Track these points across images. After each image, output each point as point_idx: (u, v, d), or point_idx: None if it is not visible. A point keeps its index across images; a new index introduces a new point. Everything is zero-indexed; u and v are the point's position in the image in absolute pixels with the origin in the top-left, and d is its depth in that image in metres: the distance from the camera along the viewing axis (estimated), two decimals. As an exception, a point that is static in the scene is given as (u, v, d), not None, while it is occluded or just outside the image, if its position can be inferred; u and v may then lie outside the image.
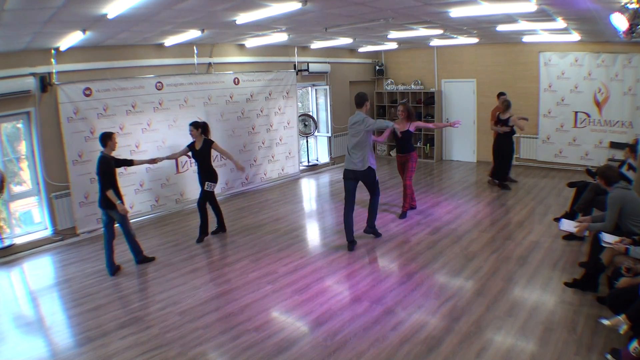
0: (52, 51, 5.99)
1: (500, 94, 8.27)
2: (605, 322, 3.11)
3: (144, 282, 4.99)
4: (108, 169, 5.03)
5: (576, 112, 8.97)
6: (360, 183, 5.63)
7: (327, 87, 10.30)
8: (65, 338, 3.89)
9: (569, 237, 5.49)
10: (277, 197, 8.27)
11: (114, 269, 5.19)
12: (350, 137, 5.53)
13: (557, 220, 5.76)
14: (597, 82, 8.61)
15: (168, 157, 6.19)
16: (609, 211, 4.09)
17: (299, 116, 9.75)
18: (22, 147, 6.27)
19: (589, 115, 8.86)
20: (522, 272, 4.73)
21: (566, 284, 4.33)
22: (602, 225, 4.14)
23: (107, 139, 5.08)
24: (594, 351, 3.30)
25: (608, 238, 3.92)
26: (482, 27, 6.87)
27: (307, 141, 10.41)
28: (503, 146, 7.85)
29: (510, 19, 5.90)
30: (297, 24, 6.03)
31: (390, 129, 5.40)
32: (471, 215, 6.70)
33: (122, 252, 5.49)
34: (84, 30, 4.97)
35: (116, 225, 5.24)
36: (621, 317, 3.01)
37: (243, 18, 5.13)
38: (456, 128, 7.05)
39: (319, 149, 10.86)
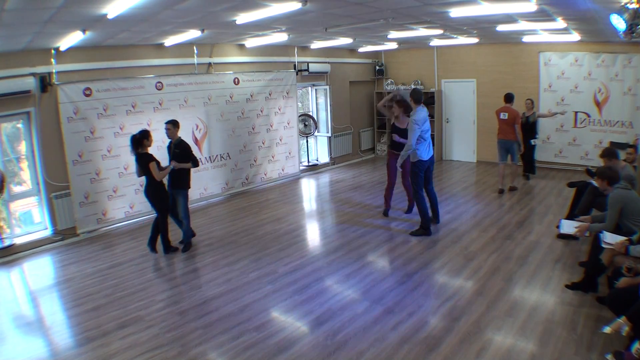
0: (52, 51, 5.99)
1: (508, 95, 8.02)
2: (607, 329, 3.05)
3: (143, 282, 4.99)
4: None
5: (576, 112, 8.97)
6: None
7: (327, 87, 10.30)
8: (65, 338, 3.89)
9: (566, 236, 5.45)
10: (277, 197, 8.27)
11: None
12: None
13: (558, 227, 5.79)
14: (597, 82, 8.61)
15: (177, 166, 5.70)
16: (610, 211, 4.09)
17: (299, 116, 9.75)
18: (22, 147, 6.27)
19: (589, 115, 8.86)
20: (522, 272, 4.73)
21: (567, 286, 4.32)
22: (603, 225, 4.14)
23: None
24: (594, 351, 3.31)
25: (609, 238, 3.91)
26: (482, 27, 6.87)
27: (307, 141, 10.41)
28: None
29: (510, 19, 5.90)
30: (297, 24, 6.02)
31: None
32: (471, 215, 6.69)
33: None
34: (84, 30, 4.97)
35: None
36: (621, 320, 3.00)
37: (243, 18, 5.13)
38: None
39: (319, 149, 10.85)
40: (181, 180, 5.69)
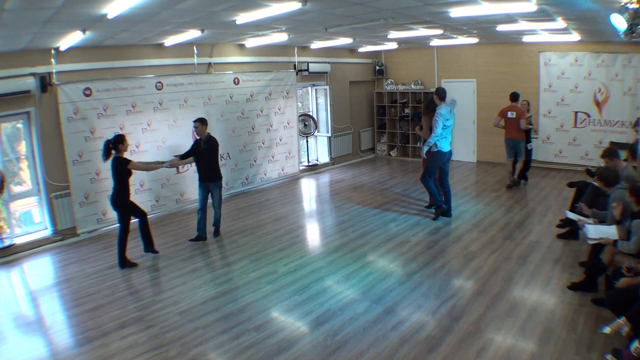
0: (52, 51, 5.98)
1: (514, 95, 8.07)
2: (607, 329, 3.07)
3: (144, 282, 4.99)
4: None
5: (576, 112, 8.97)
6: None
7: (327, 87, 10.29)
8: (65, 338, 3.89)
9: (565, 235, 5.55)
10: (277, 197, 8.27)
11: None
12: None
13: (559, 226, 5.82)
14: (597, 82, 8.61)
15: (175, 164, 5.96)
16: (611, 212, 4.09)
17: (299, 116, 9.75)
18: (22, 147, 6.27)
19: (589, 115, 8.86)
20: (522, 272, 4.73)
21: (569, 287, 4.30)
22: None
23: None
24: (594, 351, 3.31)
25: (593, 233, 3.94)
26: (482, 27, 6.87)
27: (307, 141, 10.41)
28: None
29: (510, 19, 5.90)
30: (297, 24, 6.02)
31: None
32: (471, 215, 6.69)
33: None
34: (84, 30, 4.97)
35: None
36: (621, 320, 3.00)
37: (243, 18, 5.13)
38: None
39: (319, 149, 10.85)
40: (214, 173, 5.96)
